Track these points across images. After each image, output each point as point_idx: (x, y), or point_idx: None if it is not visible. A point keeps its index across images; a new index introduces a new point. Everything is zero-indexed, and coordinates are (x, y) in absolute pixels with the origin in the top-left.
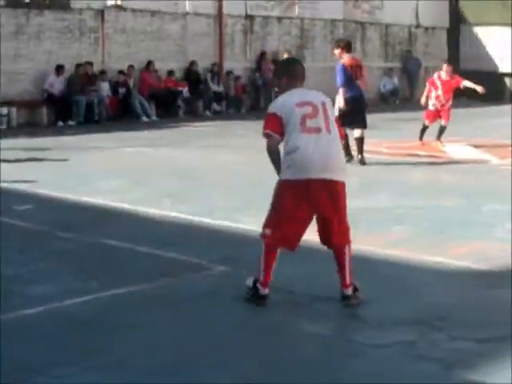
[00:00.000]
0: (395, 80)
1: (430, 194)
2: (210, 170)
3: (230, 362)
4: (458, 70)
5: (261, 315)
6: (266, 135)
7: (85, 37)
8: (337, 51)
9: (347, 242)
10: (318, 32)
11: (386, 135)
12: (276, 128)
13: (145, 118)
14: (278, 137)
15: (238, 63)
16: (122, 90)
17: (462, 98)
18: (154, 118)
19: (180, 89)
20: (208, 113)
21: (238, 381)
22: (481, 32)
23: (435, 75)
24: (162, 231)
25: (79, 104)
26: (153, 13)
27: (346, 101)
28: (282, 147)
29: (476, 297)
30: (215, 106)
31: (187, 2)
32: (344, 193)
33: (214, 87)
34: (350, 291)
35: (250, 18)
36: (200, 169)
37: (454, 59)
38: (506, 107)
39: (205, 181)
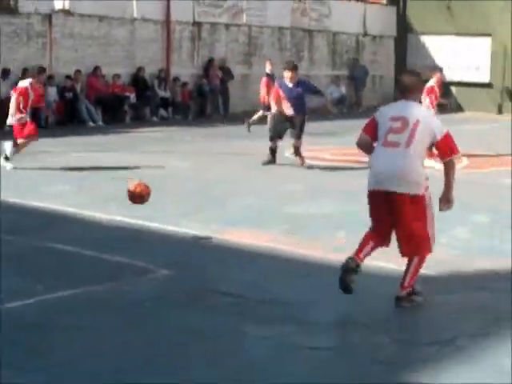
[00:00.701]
0: (342, 88)
1: None
2: (157, 175)
3: (177, 366)
4: None
5: (207, 319)
6: (360, 135)
7: (32, 41)
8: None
9: (418, 253)
10: (266, 40)
11: (331, 142)
12: (368, 130)
13: (91, 123)
14: (367, 137)
15: (185, 69)
16: (68, 95)
17: None
18: (101, 123)
19: (127, 94)
20: (155, 119)
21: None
22: (428, 41)
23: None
24: (108, 235)
25: None
26: (101, 18)
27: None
28: None
29: (416, 301)
30: (162, 112)
31: (135, 8)
32: (412, 205)
33: (161, 93)
34: (403, 293)
35: (197, 24)
36: (147, 174)
37: (401, 68)
38: (452, 116)
39: (151, 186)
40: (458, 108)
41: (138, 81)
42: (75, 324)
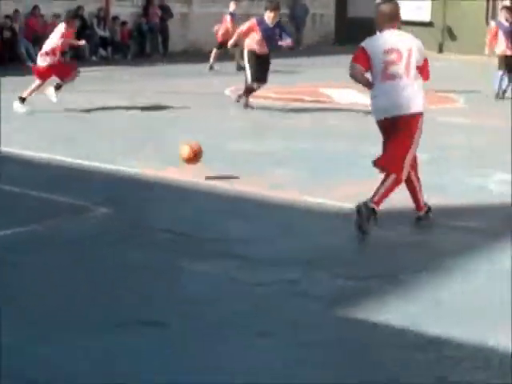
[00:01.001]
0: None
1: (315, 138)
2: (97, 114)
3: (119, 302)
4: (346, 17)
5: (148, 255)
6: (351, 66)
7: None
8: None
9: (389, 168)
10: None
11: (273, 81)
12: (360, 60)
13: (30, 63)
14: (360, 67)
15: (124, 8)
16: (7, 35)
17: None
18: None
19: None
20: (94, 58)
21: (127, 319)
22: None
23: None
24: (48, 174)
25: None
26: None
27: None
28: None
29: (358, 237)
30: (101, 52)
31: None
32: (409, 121)
33: (100, 32)
34: (372, 205)
35: None
36: (87, 112)
37: (342, 6)
38: None
39: (90, 125)
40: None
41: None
42: (16, 261)
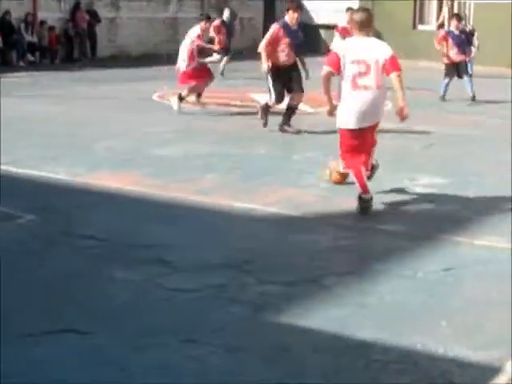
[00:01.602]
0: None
1: (243, 143)
2: (25, 119)
3: (45, 310)
4: (273, 21)
5: (74, 263)
6: (323, 69)
7: None
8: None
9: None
10: None
11: None
12: (331, 64)
13: None
14: (331, 70)
15: (52, 13)
16: None
17: None
18: None
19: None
20: (22, 63)
21: (53, 327)
22: None
23: None
24: None
25: None
26: None
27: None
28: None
29: (285, 242)
30: (29, 57)
31: None
32: (373, 129)
33: (28, 37)
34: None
35: None
36: (15, 119)
37: (270, 12)
38: (322, 59)
39: (19, 131)
40: (328, 51)
41: (4, 25)
42: None
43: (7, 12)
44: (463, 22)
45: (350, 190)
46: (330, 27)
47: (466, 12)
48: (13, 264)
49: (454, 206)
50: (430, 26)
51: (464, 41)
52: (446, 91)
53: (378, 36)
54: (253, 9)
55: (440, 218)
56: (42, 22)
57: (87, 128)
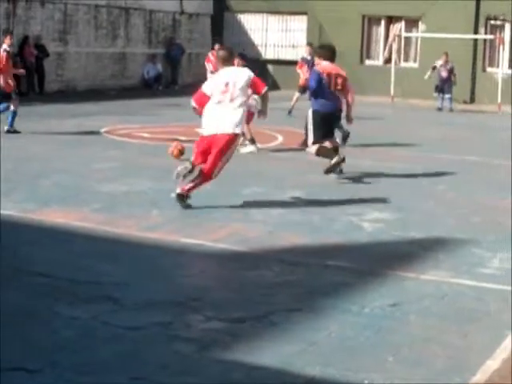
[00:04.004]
0: (159, 66)
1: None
2: None
3: None
4: None
5: (22, 300)
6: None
7: None
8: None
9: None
10: (82, 17)
11: (148, 121)
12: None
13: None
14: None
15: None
16: None
17: None
18: None
19: None
20: None
21: (6, 365)
22: (244, 19)
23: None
24: None
25: None
26: None
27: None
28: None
29: (232, 278)
30: None
31: None
32: (228, 140)
33: None
34: (179, 191)
35: (13, 1)
36: None
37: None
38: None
39: None
40: (275, 86)
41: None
42: None
43: None
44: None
45: (298, 225)
46: (278, 62)
47: (413, 46)
48: None
49: (399, 241)
50: (377, 61)
51: None
52: None
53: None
54: (200, 44)
55: (386, 254)
56: None
57: (34, 163)
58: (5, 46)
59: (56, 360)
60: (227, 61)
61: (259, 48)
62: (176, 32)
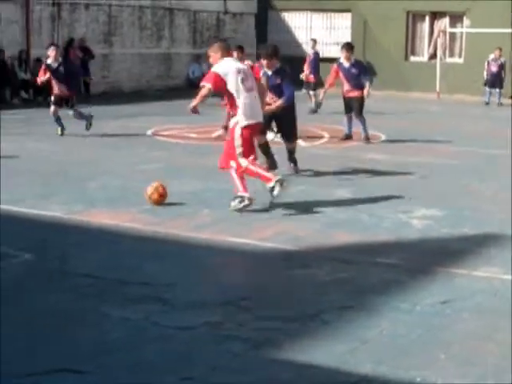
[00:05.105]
0: (204, 66)
1: None
2: (19, 157)
3: (40, 349)
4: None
5: (70, 301)
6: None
7: None
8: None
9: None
10: (126, 18)
11: (193, 121)
12: (211, 81)
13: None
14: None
15: (45, 50)
16: None
17: None
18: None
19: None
20: (16, 100)
21: (48, 367)
22: (289, 17)
23: None
24: None
25: None
26: None
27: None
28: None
29: (282, 277)
30: (23, 94)
31: None
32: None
33: (22, 75)
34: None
35: (57, 4)
36: (9, 156)
37: (262, 45)
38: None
39: (13, 168)
40: (319, 84)
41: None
42: None
43: (1, 50)
44: None
45: (347, 224)
46: (322, 60)
47: (458, 41)
48: (9, 304)
49: (449, 238)
50: (422, 57)
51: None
52: (350, 130)
53: (370, 67)
54: (245, 43)
55: (437, 250)
56: (37, 59)
57: (81, 165)
58: (49, 61)
59: (105, 361)
60: (227, 51)
61: (303, 46)
62: (220, 32)
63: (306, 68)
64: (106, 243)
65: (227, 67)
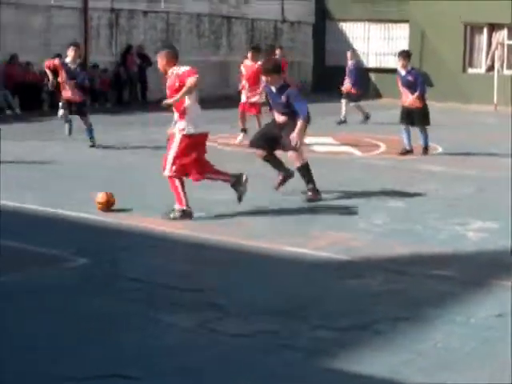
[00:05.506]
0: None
1: (292, 187)
2: (72, 162)
3: (92, 354)
4: (323, 64)
5: (122, 306)
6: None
7: None
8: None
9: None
10: (184, 26)
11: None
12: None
13: (8, 111)
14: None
15: (103, 57)
16: None
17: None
18: (18, 110)
19: (44, 82)
20: None
21: (100, 372)
22: (346, 27)
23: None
24: (22, 223)
25: None
26: (17, 5)
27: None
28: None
29: (336, 286)
30: None
31: None
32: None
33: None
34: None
35: (115, 11)
36: (61, 161)
37: (319, 54)
38: (370, 102)
39: (65, 173)
40: (377, 94)
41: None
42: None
43: (58, 55)
44: None
45: (401, 235)
46: (379, 70)
47: None
48: (62, 307)
49: (505, 250)
50: (480, 69)
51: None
52: (409, 141)
53: (426, 77)
54: (302, 53)
55: (492, 263)
56: (94, 66)
57: (135, 171)
58: (67, 60)
59: (155, 367)
60: (172, 61)
61: (361, 56)
62: (278, 40)
63: (347, 79)
64: (159, 248)
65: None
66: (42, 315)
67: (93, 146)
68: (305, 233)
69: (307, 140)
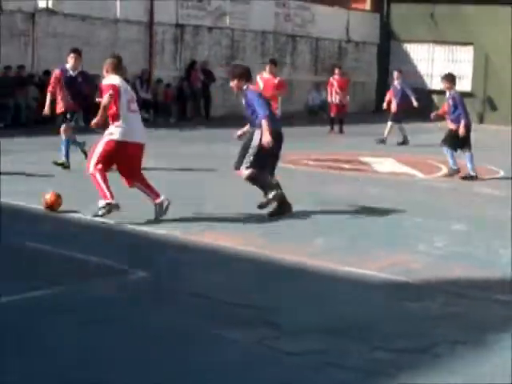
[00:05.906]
0: (323, 94)
1: (354, 207)
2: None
3: (149, 367)
4: (386, 85)
5: (180, 321)
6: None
7: (15, 39)
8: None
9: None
10: (249, 43)
11: (312, 147)
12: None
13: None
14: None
15: (167, 71)
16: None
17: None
18: (82, 123)
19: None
20: None
21: None
22: (410, 48)
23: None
24: (84, 236)
25: (8, 106)
26: (84, 18)
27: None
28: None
29: (395, 308)
30: (143, 114)
31: (118, 9)
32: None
33: (143, 94)
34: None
35: (180, 26)
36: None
37: (383, 75)
38: (434, 124)
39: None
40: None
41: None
42: (55, 323)
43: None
44: None
45: (462, 258)
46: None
47: None
48: (123, 319)
49: None
50: None
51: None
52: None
53: (490, 101)
54: (366, 73)
55: None
56: (159, 80)
57: (197, 187)
58: (67, 66)
59: (214, 382)
60: (115, 69)
61: (425, 78)
62: (342, 60)
63: (392, 99)
64: (218, 264)
65: (120, 83)
66: (103, 326)
67: (57, 163)
68: (364, 254)
69: (366, 159)
